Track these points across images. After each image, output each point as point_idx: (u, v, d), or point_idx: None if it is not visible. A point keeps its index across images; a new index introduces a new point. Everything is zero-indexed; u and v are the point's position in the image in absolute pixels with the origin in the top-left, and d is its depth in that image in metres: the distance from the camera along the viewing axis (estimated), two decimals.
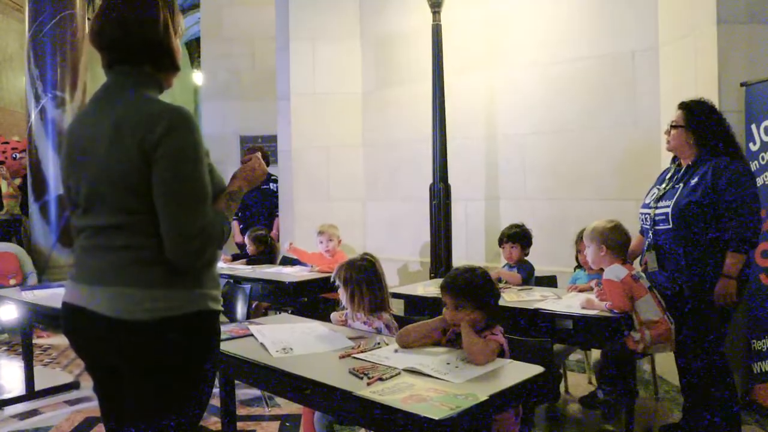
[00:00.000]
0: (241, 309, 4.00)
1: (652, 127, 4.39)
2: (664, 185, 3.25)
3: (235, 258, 5.72)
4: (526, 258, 4.11)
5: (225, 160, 7.10)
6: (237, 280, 4.54)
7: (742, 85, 3.74)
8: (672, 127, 3.22)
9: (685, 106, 3.21)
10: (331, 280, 2.99)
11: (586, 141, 4.74)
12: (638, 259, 3.41)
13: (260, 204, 6.26)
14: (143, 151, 1.62)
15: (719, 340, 3.08)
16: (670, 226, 3.10)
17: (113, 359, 1.74)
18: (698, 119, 3.13)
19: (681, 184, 3.13)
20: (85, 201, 1.73)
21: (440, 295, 2.45)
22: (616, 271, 2.99)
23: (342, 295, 2.91)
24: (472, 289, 2.38)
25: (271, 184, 6.35)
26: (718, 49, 3.76)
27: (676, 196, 3.11)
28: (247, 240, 5.66)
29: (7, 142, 7.73)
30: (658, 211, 3.17)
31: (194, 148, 1.66)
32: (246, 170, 1.99)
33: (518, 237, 4.08)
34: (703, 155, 3.10)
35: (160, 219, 1.65)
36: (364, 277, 2.86)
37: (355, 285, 2.84)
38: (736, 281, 2.96)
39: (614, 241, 3.11)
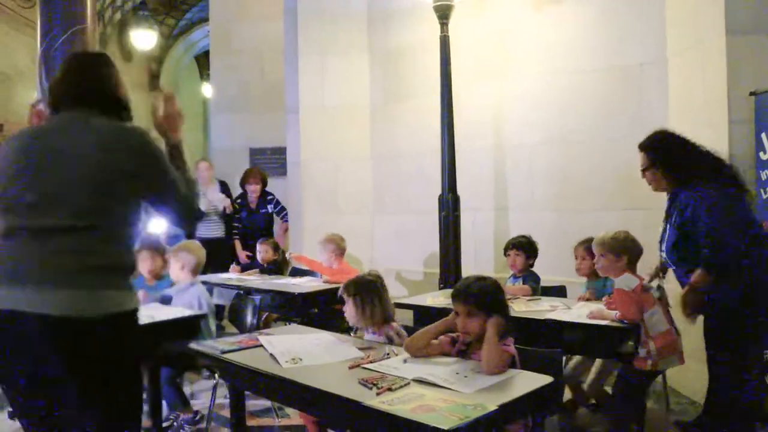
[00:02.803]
0: (250, 320, 4.01)
1: None
2: (662, 223, 3.22)
3: (244, 269, 5.72)
4: (531, 269, 4.10)
5: (234, 173, 7.13)
6: (247, 291, 4.56)
7: (751, 94, 3.74)
8: (643, 171, 3.23)
9: (644, 147, 3.21)
10: (339, 294, 3.01)
11: (594, 152, 4.74)
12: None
13: (261, 223, 6.35)
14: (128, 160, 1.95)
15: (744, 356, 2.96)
16: (674, 267, 3.15)
17: (49, 361, 1.82)
18: (661, 154, 3.13)
19: (668, 224, 3.12)
20: (37, 204, 1.88)
21: (449, 306, 2.46)
22: (627, 281, 2.98)
23: (349, 309, 2.93)
24: (484, 297, 2.40)
25: (269, 207, 6.40)
26: (727, 59, 3.76)
27: (666, 238, 3.11)
28: (260, 247, 5.65)
29: None
30: (662, 255, 3.19)
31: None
32: (168, 121, 2.18)
33: (523, 246, 4.07)
34: (676, 188, 3.09)
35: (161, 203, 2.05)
36: (374, 290, 2.91)
37: (365, 298, 2.88)
38: (696, 295, 2.90)
39: (632, 250, 3.10)
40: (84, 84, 2.06)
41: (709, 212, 2.86)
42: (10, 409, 4.11)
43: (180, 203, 2.05)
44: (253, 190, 6.27)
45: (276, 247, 5.68)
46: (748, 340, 2.91)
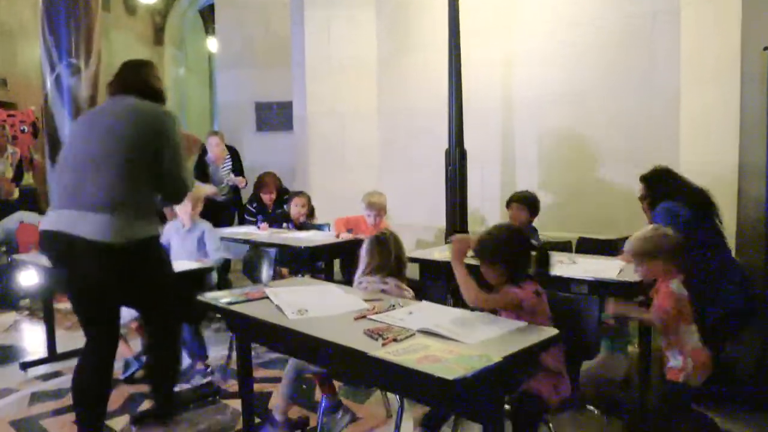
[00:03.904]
0: (266, 273, 4.06)
1: (670, 93, 4.32)
2: None
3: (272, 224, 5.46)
4: (533, 225, 4.10)
5: (241, 128, 7.10)
6: (254, 245, 4.58)
7: (765, 49, 3.66)
8: (639, 198, 3.54)
9: (643, 180, 3.51)
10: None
11: (603, 108, 4.68)
12: None
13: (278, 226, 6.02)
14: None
15: None
16: None
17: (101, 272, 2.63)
18: (653, 193, 3.42)
19: None
20: (90, 162, 2.66)
21: None
22: (680, 287, 2.61)
23: (365, 258, 3.00)
24: (488, 246, 2.46)
25: (285, 207, 5.73)
26: (742, 12, 3.67)
27: None
28: (296, 201, 5.32)
29: (13, 115, 7.72)
30: None
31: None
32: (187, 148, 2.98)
33: (526, 200, 4.08)
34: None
35: (165, 174, 2.73)
36: (382, 242, 3.00)
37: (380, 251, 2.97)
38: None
39: (666, 248, 2.66)
40: (130, 79, 2.89)
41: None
42: (22, 360, 4.21)
43: (172, 182, 2.77)
44: (269, 198, 6.01)
45: (309, 203, 5.50)
46: None
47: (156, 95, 2.89)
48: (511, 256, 2.46)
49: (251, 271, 4.25)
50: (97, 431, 2.77)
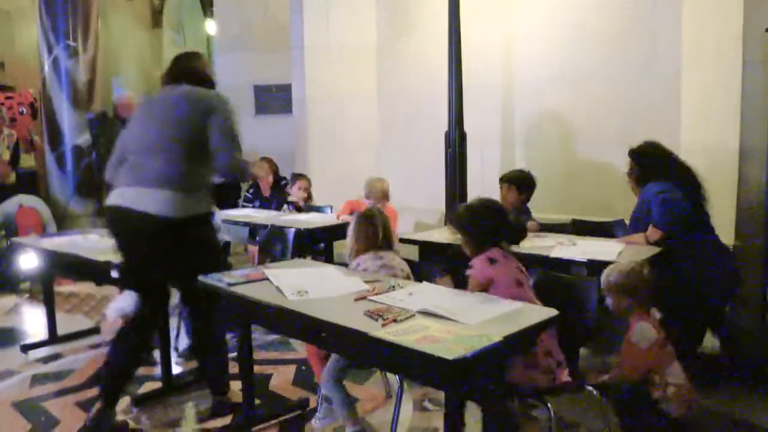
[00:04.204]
0: (283, 252, 4.14)
1: (671, 75, 4.29)
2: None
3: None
4: (526, 205, 4.06)
5: (240, 111, 7.05)
6: (252, 228, 4.59)
7: (767, 31, 3.64)
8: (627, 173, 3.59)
9: (631, 154, 3.56)
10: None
11: (603, 90, 4.66)
12: None
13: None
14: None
15: None
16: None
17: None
18: (640, 169, 3.50)
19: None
20: (151, 145, 2.93)
21: (454, 241, 2.51)
22: (645, 333, 2.48)
23: (353, 236, 3.02)
24: (457, 218, 2.71)
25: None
26: None
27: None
28: (299, 184, 5.33)
29: (11, 97, 7.67)
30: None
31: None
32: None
33: (515, 179, 4.01)
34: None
35: (218, 151, 2.90)
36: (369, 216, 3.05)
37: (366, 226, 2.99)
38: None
39: (640, 288, 2.57)
40: (180, 69, 3.13)
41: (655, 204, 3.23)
42: (23, 343, 4.23)
43: (228, 160, 2.92)
44: (266, 183, 5.91)
45: (309, 186, 5.43)
46: None
47: (205, 81, 3.13)
48: (476, 227, 2.62)
49: (268, 252, 4.30)
50: (118, 394, 2.98)
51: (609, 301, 2.62)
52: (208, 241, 3.09)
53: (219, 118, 2.92)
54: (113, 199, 2.96)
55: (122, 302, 2.94)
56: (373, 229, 2.96)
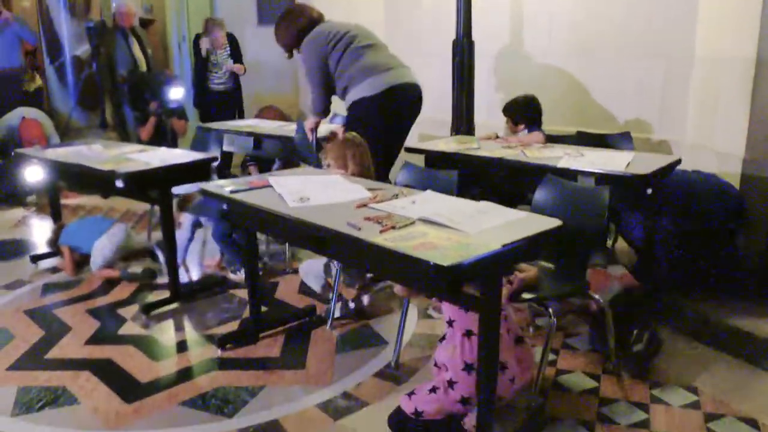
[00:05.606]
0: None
1: None
2: None
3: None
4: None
5: (242, 20, 6.87)
6: (257, 138, 4.54)
7: None
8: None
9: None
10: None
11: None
12: None
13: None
14: None
15: None
16: None
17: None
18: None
19: None
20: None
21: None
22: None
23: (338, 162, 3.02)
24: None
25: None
26: None
27: None
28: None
29: None
30: None
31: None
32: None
33: (506, 110, 3.97)
34: None
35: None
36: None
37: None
38: None
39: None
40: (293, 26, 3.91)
41: None
42: (32, 254, 4.27)
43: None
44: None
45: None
46: None
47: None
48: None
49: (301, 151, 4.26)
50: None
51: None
52: None
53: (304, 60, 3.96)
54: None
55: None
56: (365, 155, 3.01)
